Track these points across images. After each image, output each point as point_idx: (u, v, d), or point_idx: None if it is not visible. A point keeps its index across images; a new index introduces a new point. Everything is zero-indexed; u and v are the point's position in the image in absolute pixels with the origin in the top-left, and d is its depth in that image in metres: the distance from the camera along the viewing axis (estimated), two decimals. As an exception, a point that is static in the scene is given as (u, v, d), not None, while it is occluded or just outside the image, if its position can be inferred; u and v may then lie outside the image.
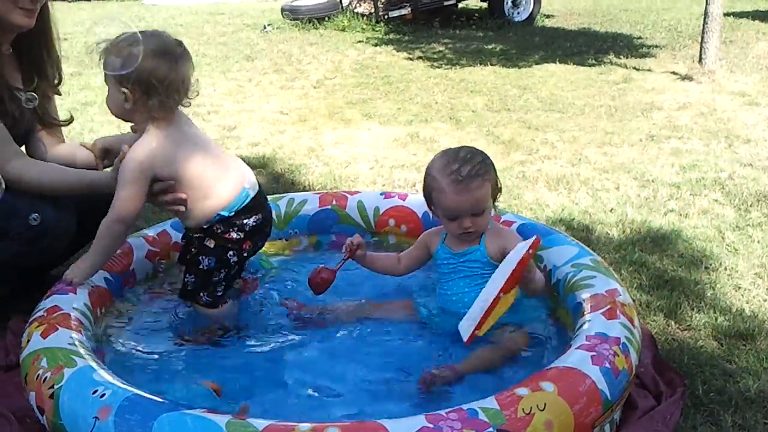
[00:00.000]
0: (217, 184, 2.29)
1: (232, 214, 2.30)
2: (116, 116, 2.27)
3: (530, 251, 2.12)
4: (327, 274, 2.40)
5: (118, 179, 2.21)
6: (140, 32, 2.17)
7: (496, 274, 2.16)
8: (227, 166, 2.34)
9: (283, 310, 2.48)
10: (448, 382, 2.05)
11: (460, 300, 2.33)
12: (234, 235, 2.31)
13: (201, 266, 2.33)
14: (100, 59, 2.19)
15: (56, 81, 2.68)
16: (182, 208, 2.28)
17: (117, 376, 1.84)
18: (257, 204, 2.36)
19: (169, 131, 2.24)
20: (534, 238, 2.17)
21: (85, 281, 2.27)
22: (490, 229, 2.35)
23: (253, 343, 2.33)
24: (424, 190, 2.36)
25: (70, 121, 2.80)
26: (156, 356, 2.27)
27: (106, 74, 2.20)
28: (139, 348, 2.30)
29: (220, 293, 2.37)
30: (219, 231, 2.31)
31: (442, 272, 2.41)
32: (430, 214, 2.44)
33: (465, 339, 2.15)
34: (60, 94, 2.75)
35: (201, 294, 2.36)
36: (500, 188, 2.36)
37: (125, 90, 2.16)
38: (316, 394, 2.07)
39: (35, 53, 2.58)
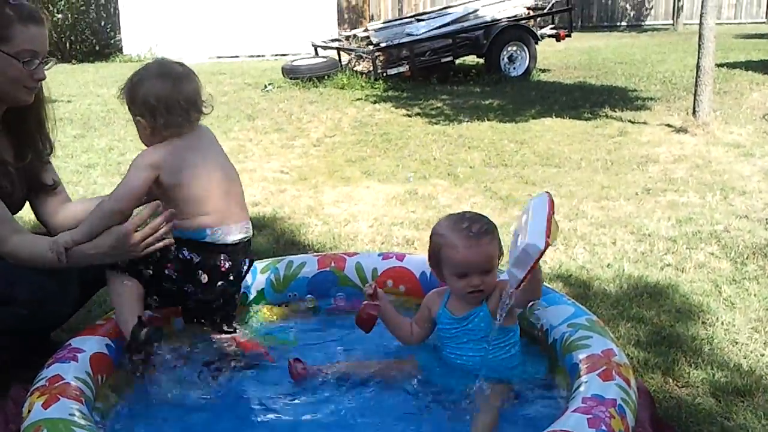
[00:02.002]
0: (219, 212, 2.41)
1: (217, 245, 2.41)
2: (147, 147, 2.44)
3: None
4: (371, 308, 2.43)
5: (128, 171, 2.35)
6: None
7: (531, 225, 2.02)
8: (234, 203, 2.46)
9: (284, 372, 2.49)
10: None
11: (466, 363, 2.35)
12: (225, 264, 2.45)
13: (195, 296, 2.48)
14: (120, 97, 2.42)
15: (47, 152, 2.68)
16: (172, 241, 2.35)
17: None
18: (236, 250, 2.47)
19: (178, 142, 2.38)
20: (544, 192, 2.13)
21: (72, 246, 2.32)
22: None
23: (256, 406, 2.35)
24: (430, 251, 2.38)
25: (57, 185, 2.76)
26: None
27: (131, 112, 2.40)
28: (146, 416, 2.32)
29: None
30: (197, 261, 2.41)
31: (444, 336, 2.42)
32: (428, 275, 2.46)
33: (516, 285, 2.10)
34: (49, 163, 2.73)
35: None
36: (502, 252, 2.40)
37: (139, 118, 2.36)
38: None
39: (27, 126, 2.60)
